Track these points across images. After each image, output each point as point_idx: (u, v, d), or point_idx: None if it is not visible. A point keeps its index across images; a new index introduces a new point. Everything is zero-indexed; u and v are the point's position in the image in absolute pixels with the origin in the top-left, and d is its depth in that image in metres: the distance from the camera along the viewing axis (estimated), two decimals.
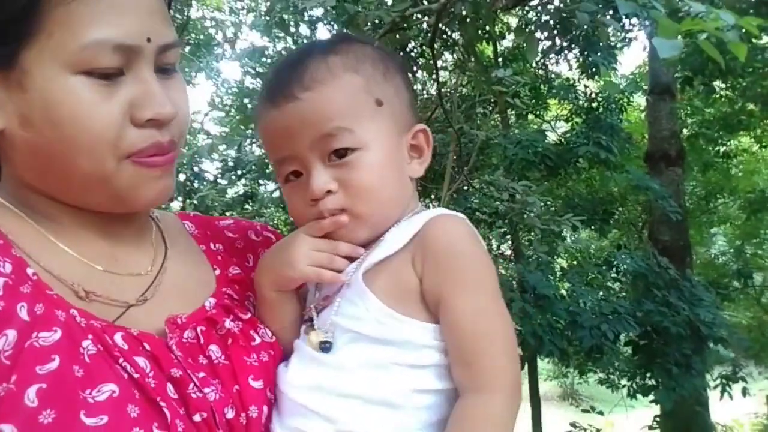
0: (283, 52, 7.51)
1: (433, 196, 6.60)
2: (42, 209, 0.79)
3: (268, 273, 0.87)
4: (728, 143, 9.99)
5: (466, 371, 0.78)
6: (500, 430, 0.77)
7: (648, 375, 6.57)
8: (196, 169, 7.21)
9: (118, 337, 0.73)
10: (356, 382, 0.79)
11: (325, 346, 0.82)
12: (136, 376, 0.71)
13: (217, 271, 0.92)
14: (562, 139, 7.50)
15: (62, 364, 0.67)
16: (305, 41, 7.45)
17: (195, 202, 6.25)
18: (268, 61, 7.41)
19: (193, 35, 9.36)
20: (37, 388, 0.64)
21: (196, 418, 0.72)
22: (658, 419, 7.39)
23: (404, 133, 0.89)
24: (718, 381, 7.08)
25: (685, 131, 9.61)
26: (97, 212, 0.81)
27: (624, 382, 7.22)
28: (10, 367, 0.64)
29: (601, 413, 7.66)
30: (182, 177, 7.40)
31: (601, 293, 6.53)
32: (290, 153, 0.85)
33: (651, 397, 6.80)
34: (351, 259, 0.87)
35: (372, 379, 0.79)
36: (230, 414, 0.76)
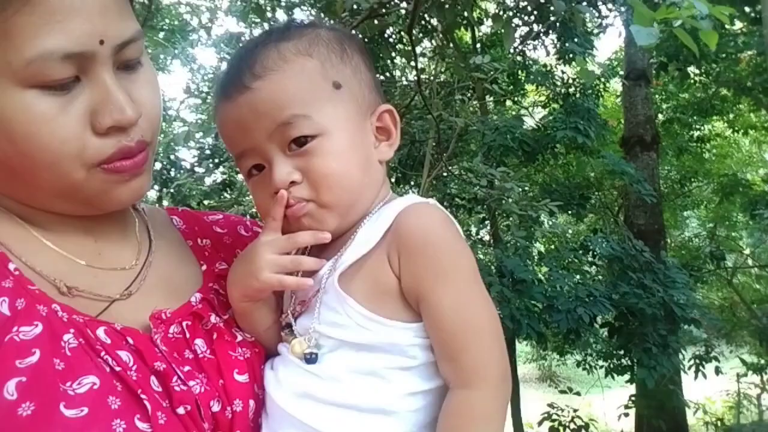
0: None
1: (412, 183, 6.62)
2: (20, 211, 0.78)
3: (236, 285, 0.83)
4: (702, 128, 10.15)
5: (452, 366, 0.77)
6: (490, 423, 0.76)
7: (624, 355, 6.72)
8: (172, 157, 7.12)
9: (100, 332, 0.73)
10: (346, 391, 0.77)
11: (311, 357, 0.79)
12: (117, 369, 0.71)
13: (204, 267, 0.90)
14: (540, 125, 7.55)
15: (43, 357, 0.67)
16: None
17: (172, 191, 6.18)
18: None
19: (167, 21, 9.19)
20: (17, 381, 0.64)
21: (180, 410, 0.72)
22: (633, 399, 7.56)
23: (368, 116, 0.85)
24: (691, 361, 7.26)
25: (660, 116, 9.75)
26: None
27: (601, 363, 7.37)
28: None
29: (578, 394, 7.81)
30: (158, 165, 7.31)
31: (577, 277, 6.63)
32: (248, 146, 0.81)
33: (626, 377, 6.95)
34: (320, 249, 0.84)
35: (362, 387, 0.77)
36: (216, 407, 0.76)
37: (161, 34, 8.95)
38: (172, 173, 7.01)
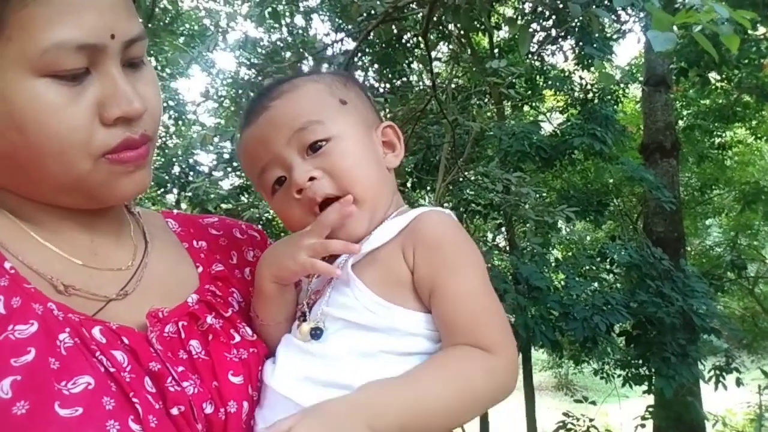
0: (278, 43, 7.46)
1: (428, 188, 6.59)
2: (17, 209, 0.79)
3: (270, 265, 0.89)
4: (723, 134, 9.98)
5: (470, 339, 0.81)
6: (500, 386, 0.82)
7: (642, 365, 6.60)
8: (191, 161, 7.18)
9: (96, 331, 0.73)
10: (344, 371, 0.80)
11: (316, 333, 0.84)
12: (112, 369, 0.71)
13: (200, 269, 0.92)
14: (557, 131, 7.48)
15: (38, 356, 0.67)
16: (299, 32, 7.41)
17: (189, 194, 6.22)
18: (263, 51, 7.37)
19: (187, 26, 9.29)
20: (12, 380, 0.65)
21: (174, 411, 0.73)
22: (651, 409, 7.43)
23: (373, 130, 0.94)
24: (711, 372, 7.12)
25: (680, 122, 9.60)
26: (72, 208, 0.80)
27: (618, 372, 7.26)
28: None
29: (594, 403, 7.70)
30: (177, 169, 7.37)
31: (595, 285, 6.54)
32: (269, 157, 0.89)
33: (644, 387, 6.84)
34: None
35: (360, 368, 0.80)
36: (209, 409, 0.76)
37: (181, 39, 9.06)
38: (191, 177, 7.06)
